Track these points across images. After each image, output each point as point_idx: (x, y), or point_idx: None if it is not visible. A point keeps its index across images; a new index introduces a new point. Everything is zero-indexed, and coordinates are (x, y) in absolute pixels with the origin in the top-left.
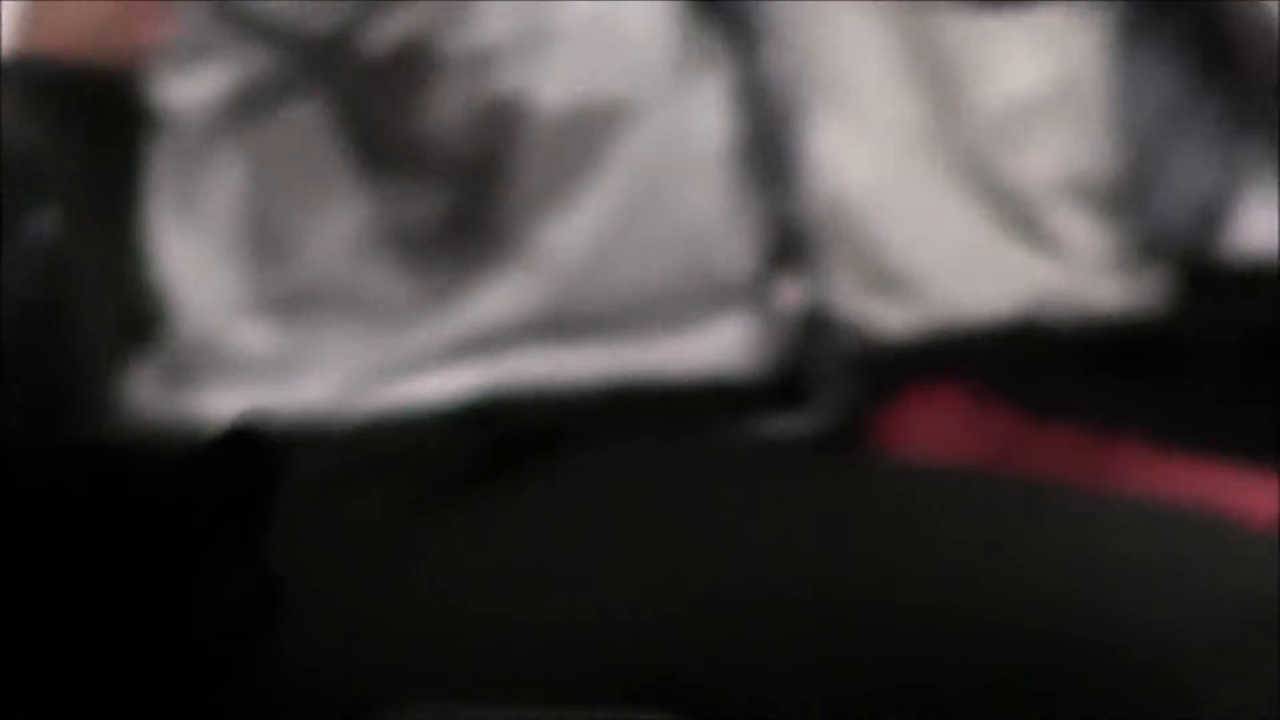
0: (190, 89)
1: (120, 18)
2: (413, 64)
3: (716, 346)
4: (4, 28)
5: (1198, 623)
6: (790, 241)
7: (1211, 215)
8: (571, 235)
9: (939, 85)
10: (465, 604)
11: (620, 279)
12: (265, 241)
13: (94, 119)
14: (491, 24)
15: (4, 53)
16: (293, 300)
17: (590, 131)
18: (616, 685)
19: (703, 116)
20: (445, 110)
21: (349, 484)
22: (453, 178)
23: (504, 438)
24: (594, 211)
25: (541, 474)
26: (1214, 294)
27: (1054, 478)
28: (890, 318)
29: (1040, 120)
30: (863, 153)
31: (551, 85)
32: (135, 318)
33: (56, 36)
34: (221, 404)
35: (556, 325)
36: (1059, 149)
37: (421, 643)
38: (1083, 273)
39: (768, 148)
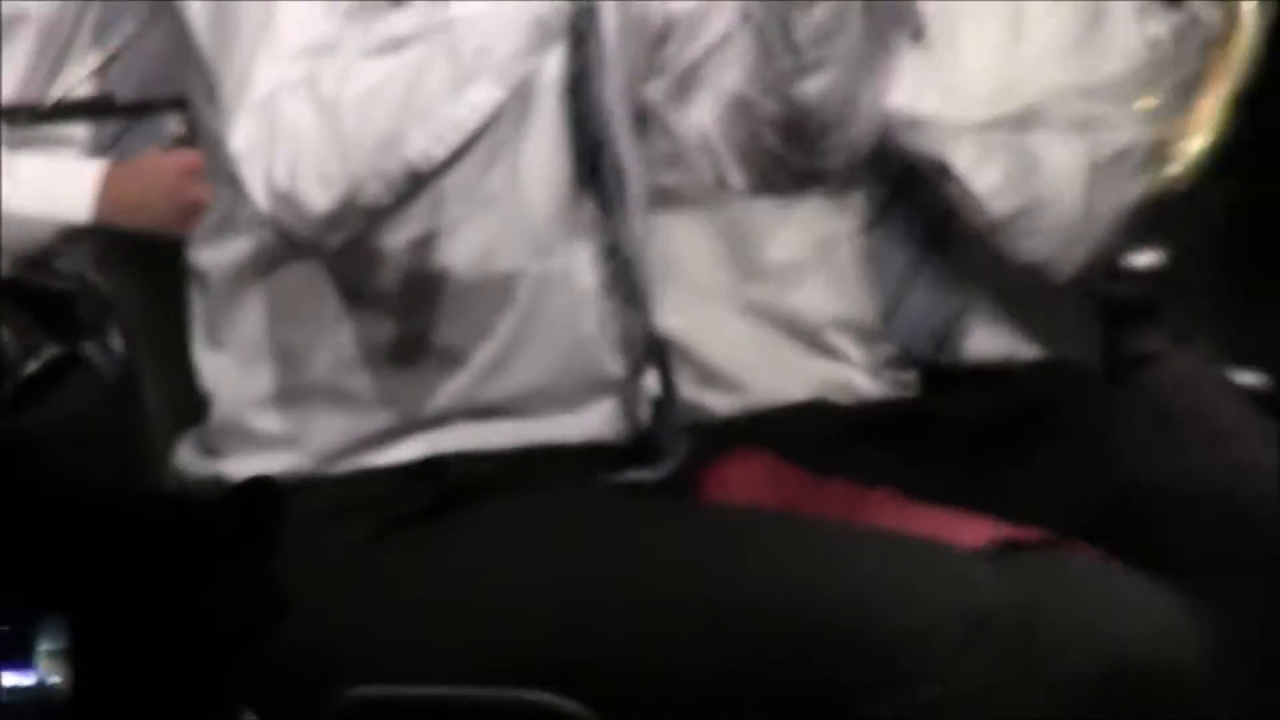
0: (220, 253)
1: (170, 196)
2: (368, 252)
3: (595, 422)
4: (83, 195)
5: (916, 613)
6: (647, 351)
7: (942, 335)
8: (490, 348)
9: (739, 252)
10: (417, 610)
11: (525, 377)
12: (275, 355)
13: (153, 270)
14: (417, 219)
15: (83, 218)
16: (294, 395)
17: (500, 279)
18: (532, 670)
19: (582, 264)
20: (393, 272)
21: (330, 522)
22: (407, 312)
23: (443, 490)
24: (505, 331)
25: (470, 515)
26: (949, 388)
27: (825, 518)
28: (716, 404)
29: (809, 272)
30: (682, 301)
31: (469, 252)
32: (184, 408)
33: (125, 208)
34: (242, 467)
35: (481, 410)
36: (826, 290)
37: (382, 638)
38: (853, 373)
39: (629, 287)
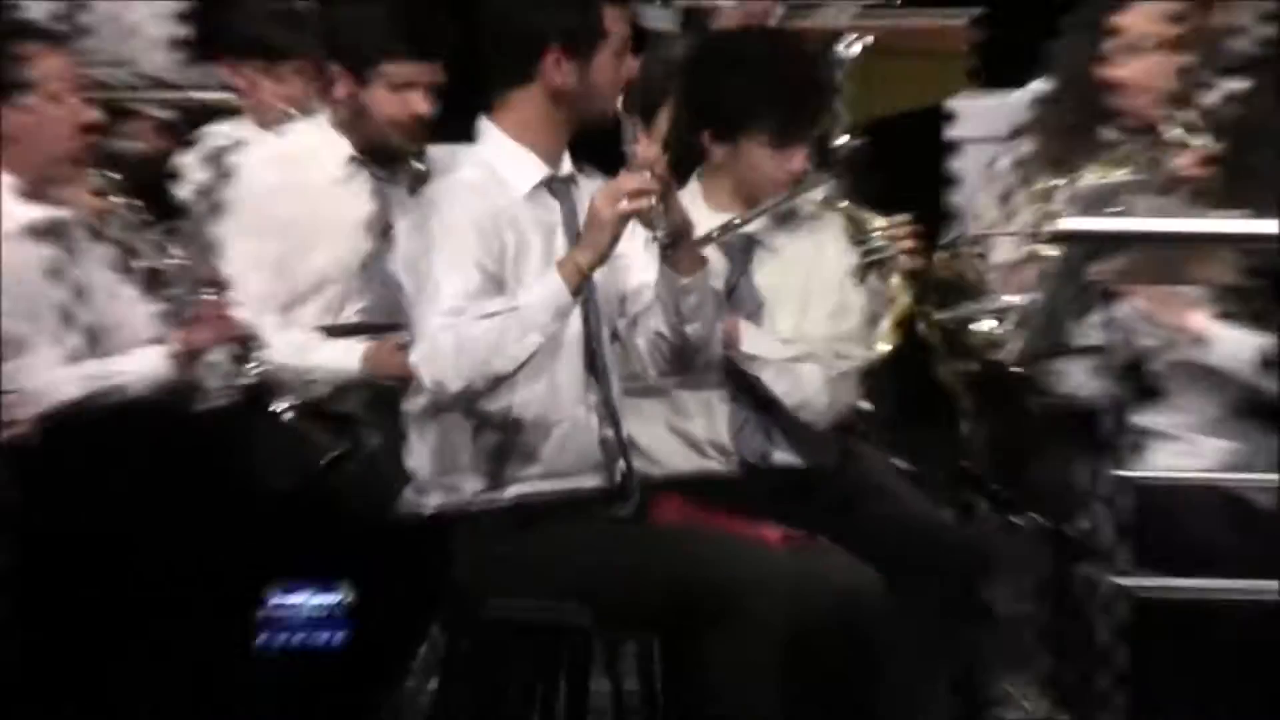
0: (416, 402)
1: (393, 367)
2: (481, 409)
3: (595, 482)
4: (357, 361)
5: (740, 570)
6: (620, 449)
7: (761, 450)
8: (546, 450)
9: (668, 407)
10: (523, 575)
11: (563, 463)
12: (439, 451)
13: (389, 404)
14: (505, 395)
15: (356, 372)
16: (451, 468)
17: (549, 421)
18: (574, 599)
19: (589, 413)
20: (496, 420)
21: (473, 530)
22: (504, 434)
23: (526, 515)
24: (552, 444)
25: (537, 530)
26: (765, 475)
27: (703, 526)
28: (653, 471)
29: (702, 416)
30: (639, 427)
31: (535, 410)
32: (403, 475)
33: (375, 369)
34: (431, 503)
35: (541, 476)
36: (707, 425)
37: (505, 584)
38: (714, 464)
39: (613, 422)
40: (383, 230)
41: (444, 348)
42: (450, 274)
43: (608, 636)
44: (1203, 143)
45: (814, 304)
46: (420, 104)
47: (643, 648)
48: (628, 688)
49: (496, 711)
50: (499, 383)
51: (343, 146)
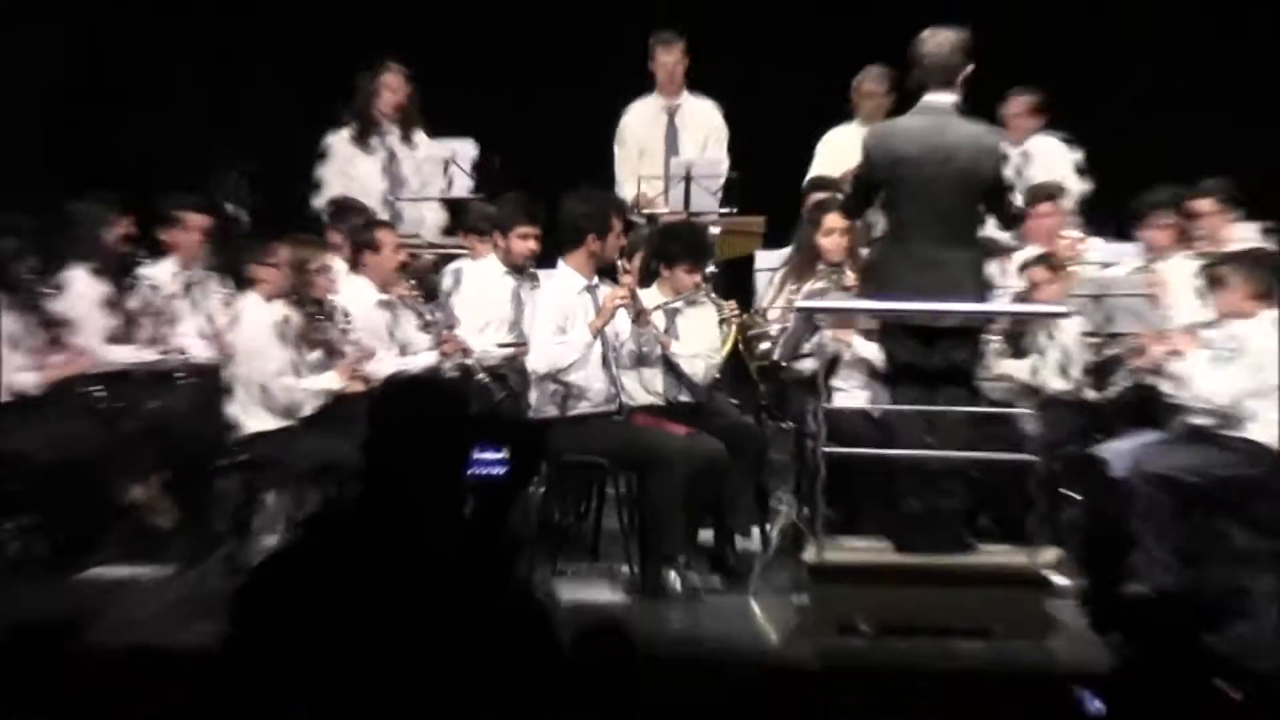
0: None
1: None
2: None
3: (607, 406)
4: (500, 354)
5: (668, 446)
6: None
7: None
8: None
9: None
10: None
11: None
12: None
13: None
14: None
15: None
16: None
17: (602, 409)
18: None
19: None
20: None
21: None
22: (565, 406)
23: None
24: (594, 401)
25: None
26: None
27: (655, 427)
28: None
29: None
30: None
31: (593, 398)
32: None
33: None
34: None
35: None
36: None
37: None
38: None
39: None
40: (518, 304)
41: (539, 355)
42: (544, 325)
43: (613, 472)
44: (853, 274)
45: (700, 335)
46: (533, 246)
47: (626, 478)
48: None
49: (567, 505)
50: (560, 370)
51: (501, 267)
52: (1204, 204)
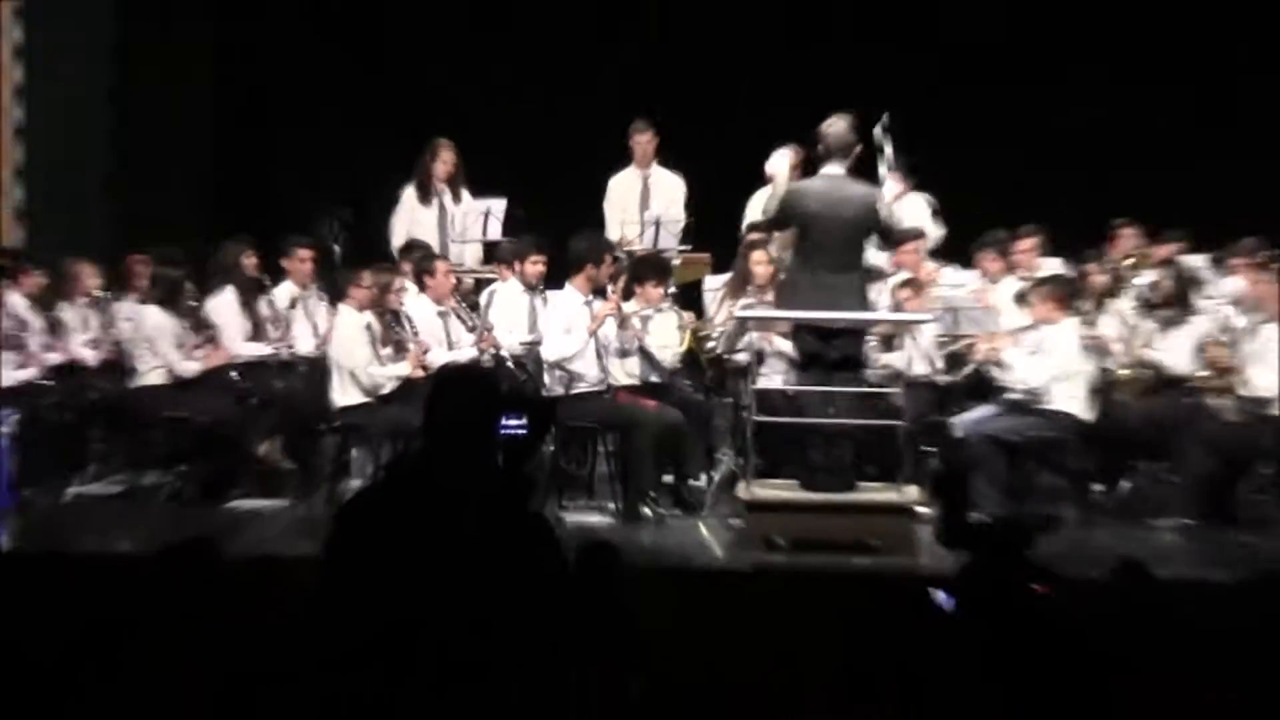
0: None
1: None
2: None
3: (598, 386)
4: (518, 347)
5: (643, 416)
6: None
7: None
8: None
9: None
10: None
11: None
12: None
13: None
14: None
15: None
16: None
17: (595, 383)
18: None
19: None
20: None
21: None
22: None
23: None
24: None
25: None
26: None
27: (632, 401)
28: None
29: None
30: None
31: (588, 377)
32: None
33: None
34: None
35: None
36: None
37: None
38: None
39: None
40: (533, 313)
41: (550, 349)
42: (554, 327)
43: (602, 433)
44: (773, 293)
45: (665, 335)
46: (541, 270)
47: (613, 438)
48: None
49: (569, 457)
50: (565, 360)
51: (519, 287)
52: (1023, 244)
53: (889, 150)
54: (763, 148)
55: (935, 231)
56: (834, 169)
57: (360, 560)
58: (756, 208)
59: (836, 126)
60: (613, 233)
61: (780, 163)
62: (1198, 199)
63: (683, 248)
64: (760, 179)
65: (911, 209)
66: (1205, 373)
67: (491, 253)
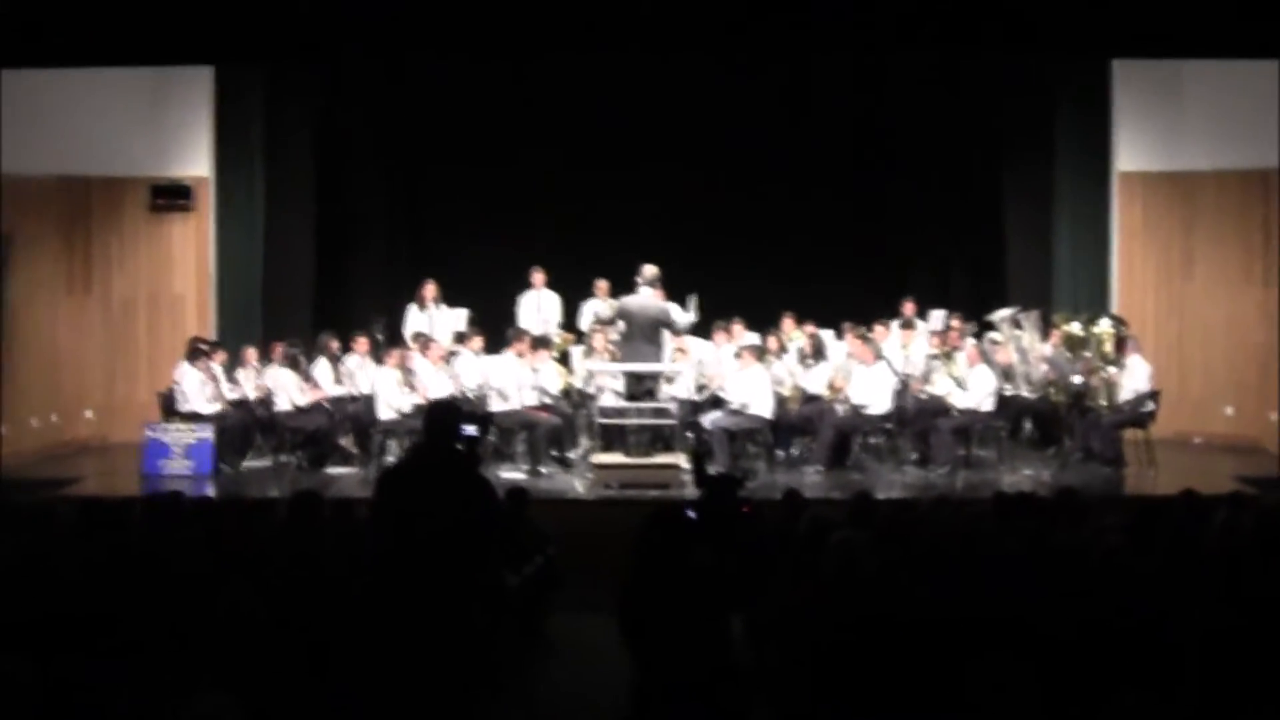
0: None
1: None
2: None
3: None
4: None
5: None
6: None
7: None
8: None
9: None
10: None
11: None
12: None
13: None
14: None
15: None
16: None
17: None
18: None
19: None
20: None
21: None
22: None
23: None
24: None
25: None
26: None
27: None
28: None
29: None
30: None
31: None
32: None
33: None
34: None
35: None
36: None
37: None
38: None
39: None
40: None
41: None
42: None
43: (518, 430)
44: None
45: (552, 378)
46: (481, 343)
47: (524, 432)
48: None
49: (501, 445)
50: (505, 393)
51: (473, 355)
52: (734, 326)
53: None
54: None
55: (690, 320)
56: (646, 289)
57: (391, 497)
58: (590, 311)
59: (651, 273)
60: (527, 325)
61: (602, 287)
62: (828, 296)
63: (559, 332)
64: (588, 293)
65: (683, 313)
66: (828, 393)
67: (460, 338)
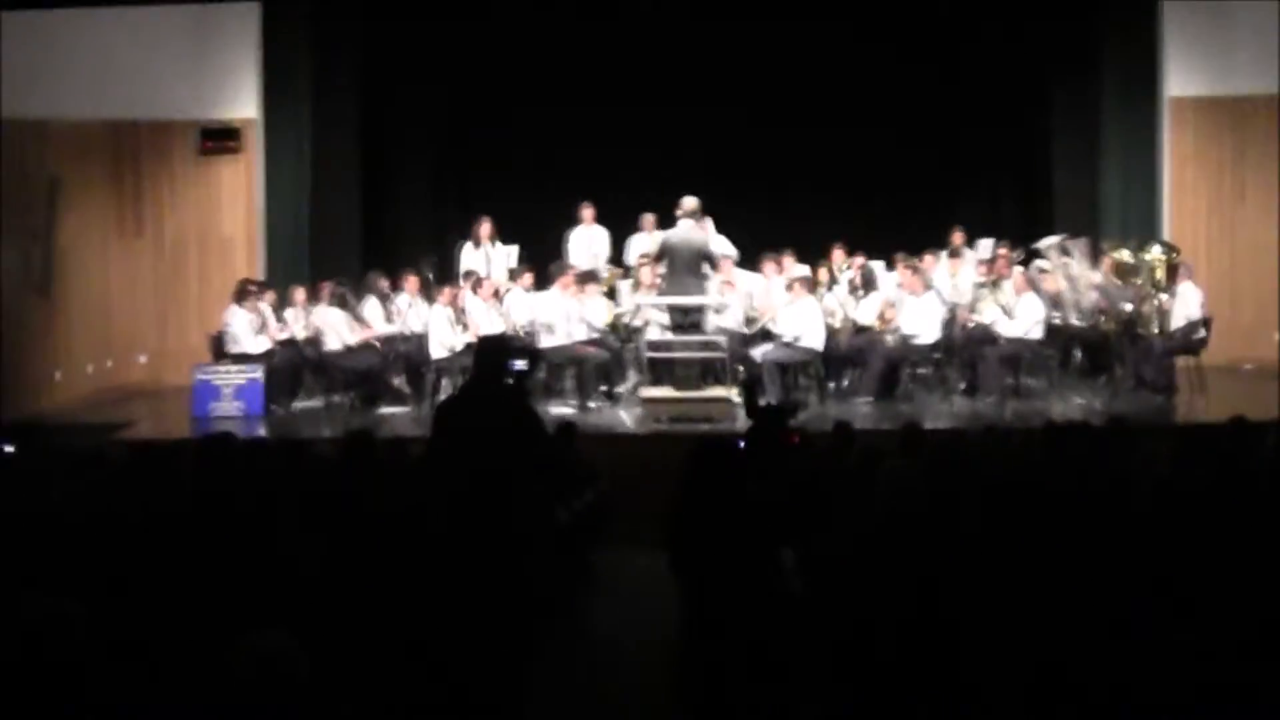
0: None
1: None
2: None
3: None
4: None
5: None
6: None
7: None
8: None
9: None
10: None
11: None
12: None
13: None
14: None
15: None
16: None
17: None
18: None
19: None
20: None
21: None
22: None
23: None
24: None
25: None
26: None
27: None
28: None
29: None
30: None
31: None
32: None
33: None
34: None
35: None
36: None
37: None
38: None
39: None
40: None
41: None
42: (546, 314)
43: (567, 365)
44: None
45: (599, 313)
46: (531, 279)
47: (573, 368)
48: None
49: (551, 379)
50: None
51: (523, 291)
52: (784, 258)
53: (711, 225)
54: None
55: (734, 253)
56: (687, 220)
57: (445, 430)
58: (637, 246)
59: (689, 201)
60: (576, 261)
61: (649, 221)
62: (877, 226)
63: (608, 267)
64: (636, 228)
65: (721, 243)
66: (879, 324)
67: (512, 274)
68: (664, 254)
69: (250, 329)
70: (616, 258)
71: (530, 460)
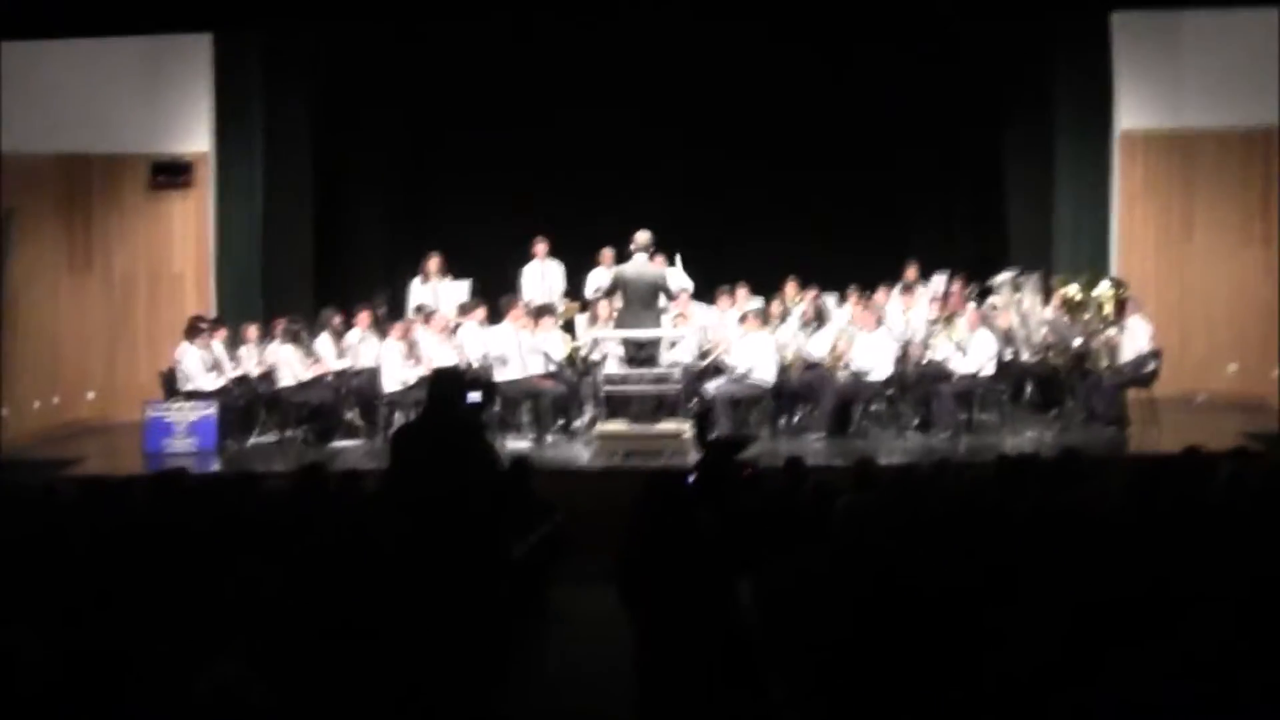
0: None
1: None
2: None
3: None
4: None
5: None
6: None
7: None
8: None
9: None
10: None
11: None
12: None
13: None
14: None
15: None
16: None
17: None
18: None
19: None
20: None
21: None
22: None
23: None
24: None
25: None
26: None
27: None
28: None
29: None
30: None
31: None
32: None
33: None
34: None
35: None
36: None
37: None
38: None
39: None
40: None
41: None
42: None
43: (522, 399)
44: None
45: (556, 346)
46: (483, 312)
47: (530, 401)
48: None
49: (506, 413)
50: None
51: (475, 325)
52: (738, 291)
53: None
54: (592, 248)
55: (690, 285)
56: (641, 255)
57: (402, 455)
58: (595, 281)
59: (641, 235)
60: (531, 296)
61: (607, 256)
62: (832, 259)
63: (564, 301)
64: (592, 264)
65: (678, 276)
66: (830, 359)
67: (463, 309)
68: (617, 287)
69: (202, 366)
70: (573, 291)
71: (484, 494)
